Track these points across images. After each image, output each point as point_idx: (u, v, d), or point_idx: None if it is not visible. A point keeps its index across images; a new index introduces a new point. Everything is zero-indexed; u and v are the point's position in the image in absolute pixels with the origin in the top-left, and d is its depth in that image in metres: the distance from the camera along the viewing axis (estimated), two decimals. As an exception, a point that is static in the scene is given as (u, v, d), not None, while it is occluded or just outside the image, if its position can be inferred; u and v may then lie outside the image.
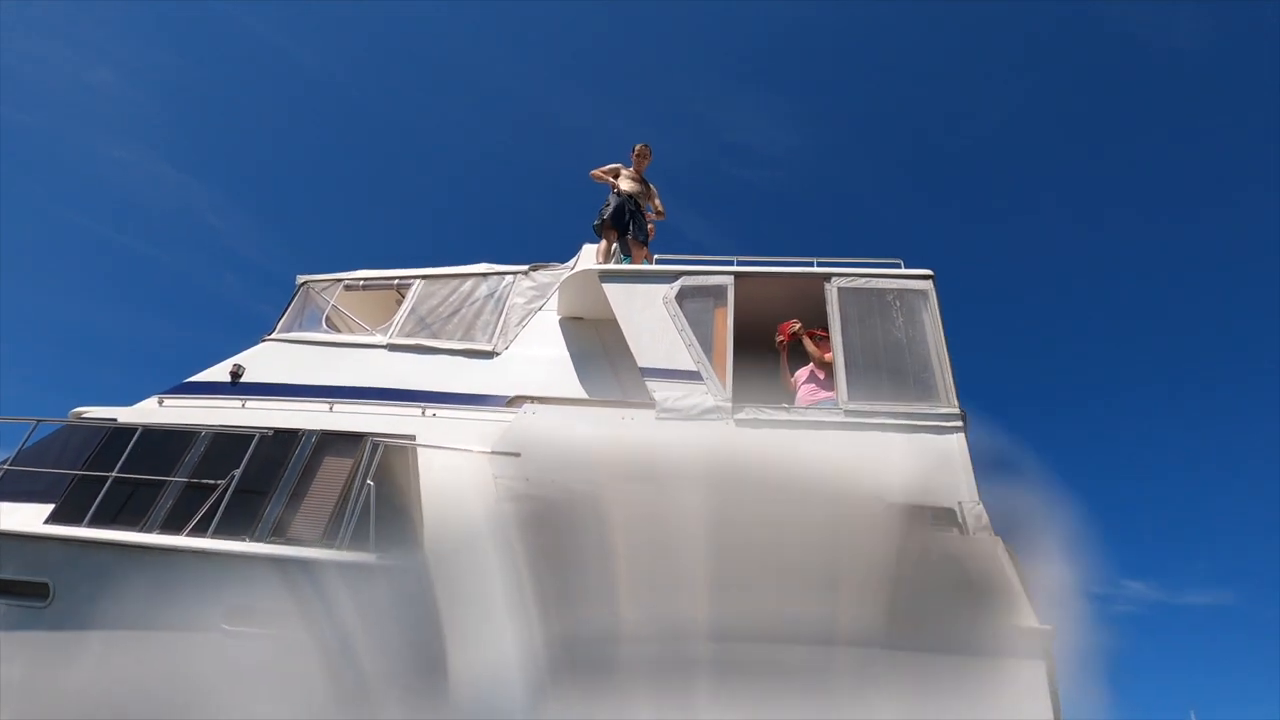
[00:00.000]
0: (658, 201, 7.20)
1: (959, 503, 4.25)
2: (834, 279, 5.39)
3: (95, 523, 4.90)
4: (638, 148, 7.11)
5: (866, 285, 5.34)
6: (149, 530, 4.85)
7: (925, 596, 3.78)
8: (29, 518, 5.06)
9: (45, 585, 4.44)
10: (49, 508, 5.14)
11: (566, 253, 6.91)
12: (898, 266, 5.50)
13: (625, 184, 6.84)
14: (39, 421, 5.50)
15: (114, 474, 5.14)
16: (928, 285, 5.27)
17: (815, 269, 5.54)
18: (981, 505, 4.23)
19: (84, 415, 5.94)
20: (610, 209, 6.58)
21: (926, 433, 4.58)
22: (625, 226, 6.61)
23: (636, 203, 6.86)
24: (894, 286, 5.32)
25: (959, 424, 4.60)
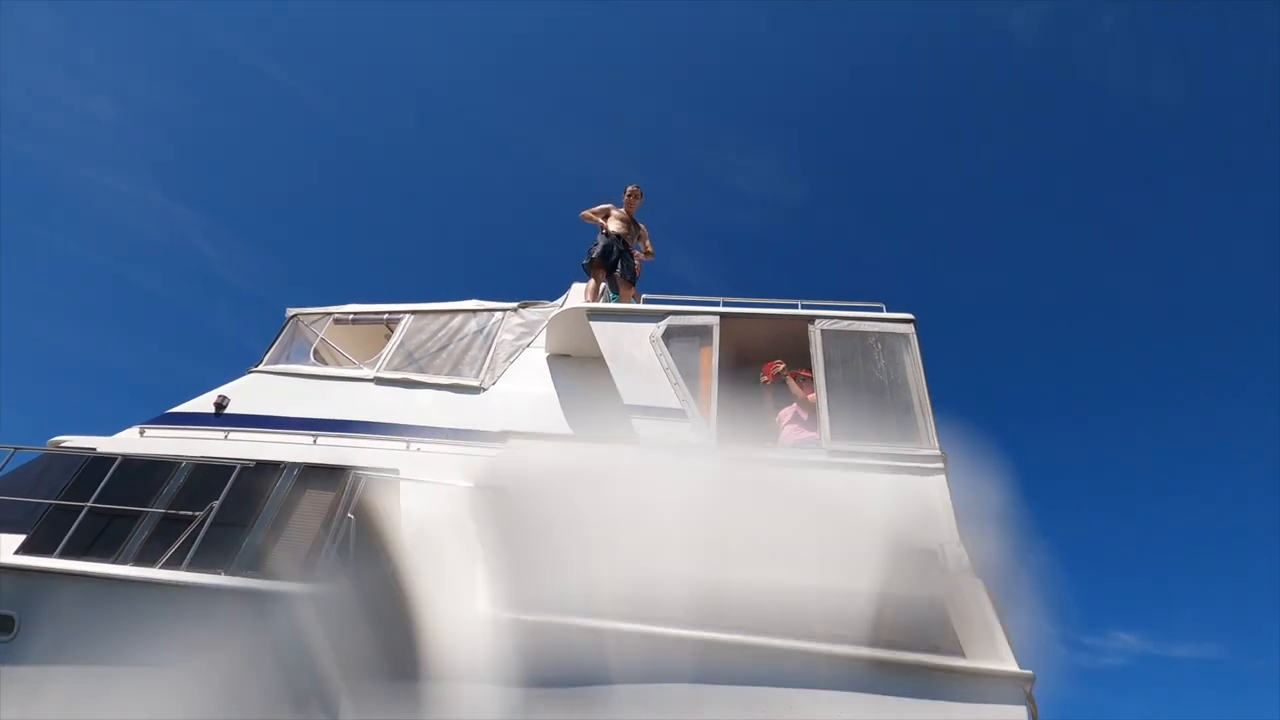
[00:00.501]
0: (647, 242, 7.36)
1: (940, 544, 4.27)
2: (817, 321, 5.49)
3: (67, 554, 4.80)
4: (630, 189, 7.31)
5: (849, 328, 5.45)
6: (123, 562, 4.76)
7: (905, 639, 3.76)
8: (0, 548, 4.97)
9: (10, 618, 4.33)
10: (21, 538, 5.05)
11: (555, 290, 7.03)
12: (880, 310, 5.62)
13: (613, 225, 7.00)
14: (16, 449, 5.43)
15: (89, 504, 5.06)
16: (909, 329, 5.38)
17: (799, 311, 5.65)
18: (963, 547, 4.25)
19: (63, 444, 5.87)
20: (598, 248, 6.72)
21: (908, 474, 4.62)
22: (614, 265, 6.74)
23: (625, 243, 7.01)
24: (876, 329, 5.42)
25: (940, 465, 4.65)
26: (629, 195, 7.30)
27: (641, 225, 7.33)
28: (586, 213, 7.20)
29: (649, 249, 7.37)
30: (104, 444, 5.82)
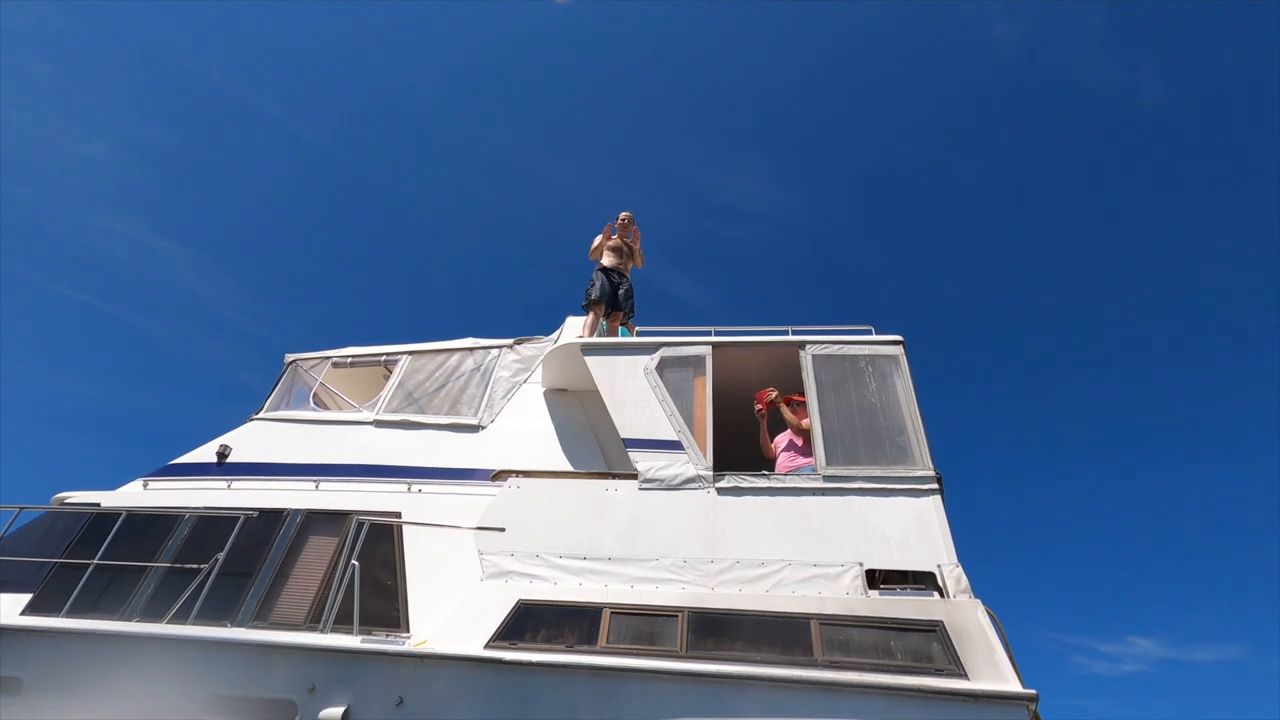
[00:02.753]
0: (638, 251, 7.48)
1: (938, 565, 4.31)
2: (808, 346, 5.57)
3: (74, 612, 4.83)
4: (621, 217, 7.44)
5: (839, 351, 5.53)
6: (130, 617, 4.80)
7: (906, 663, 3.78)
8: (6, 608, 4.99)
9: (18, 680, 4.34)
10: (28, 597, 5.08)
11: (550, 324, 7.12)
12: (869, 333, 5.71)
13: (607, 259, 7.13)
14: (21, 508, 5.47)
15: (95, 561, 5.10)
16: (898, 350, 5.46)
17: (790, 337, 5.74)
18: (960, 568, 4.29)
19: (68, 500, 5.92)
20: (595, 287, 6.82)
21: (903, 496, 4.67)
22: (614, 301, 6.84)
23: (620, 274, 7.12)
24: (866, 352, 5.50)
25: (935, 486, 4.70)
26: (621, 222, 7.44)
27: (632, 239, 7.47)
28: (593, 252, 7.33)
29: (639, 261, 7.49)
30: (108, 498, 5.88)
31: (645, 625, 4.16)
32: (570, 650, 4.03)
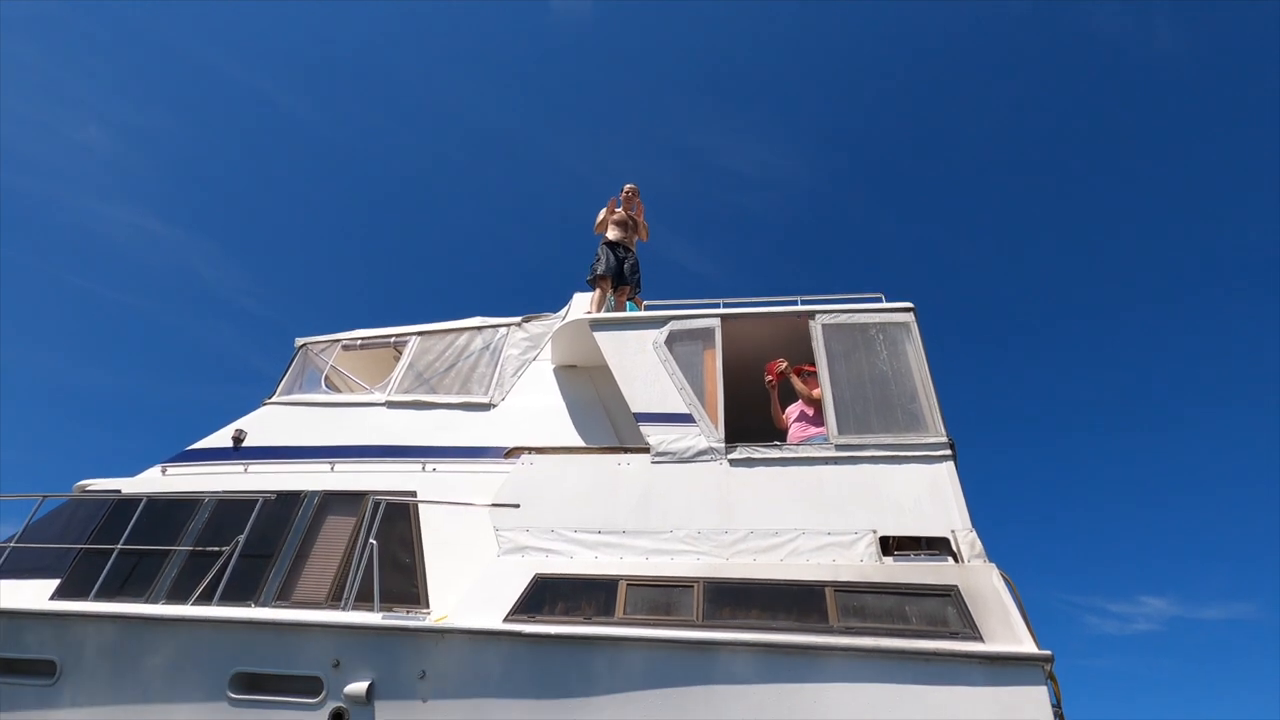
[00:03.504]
0: (642, 223, 7.49)
1: (952, 531, 4.32)
2: (818, 316, 5.54)
3: (101, 596, 4.94)
4: (626, 190, 7.43)
5: (849, 320, 5.49)
6: (155, 600, 4.90)
7: (923, 628, 3.81)
8: (36, 594, 5.10)
9: (52, 663, 4.46)
10: (55, 583, 5.19)
11: (557, 301, 7.11)
12: (879, 300, 5.66)
13: (612, 233, 7.10)
14: (45, 497, 5.57)
15: (119, 546, 5.19)
16: (909, 317, 5.42)
17: (799, 307, 5.70)
18: (975, 532, 4.29)
19: (88, 488, 6.01)
20: (601, 262, 6.81)
21: (916, 463, 4.66)
22: (619, 275, 6.84)
23: (625, 248, 7.09)
24: (876, 320, 5.46)
25: (948, 452, 4.69)
26: (625, 195, 7.43)
27: (637, 212, 7.46)
28: (598, 226, 7.33)
29: (643, 234, 7.50)
30: (128, 485, 5.96)
31: (661, 596, 4.21)
32: (588, 622, 4.09)
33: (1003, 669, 3.54)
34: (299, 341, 7.23)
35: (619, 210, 7.30)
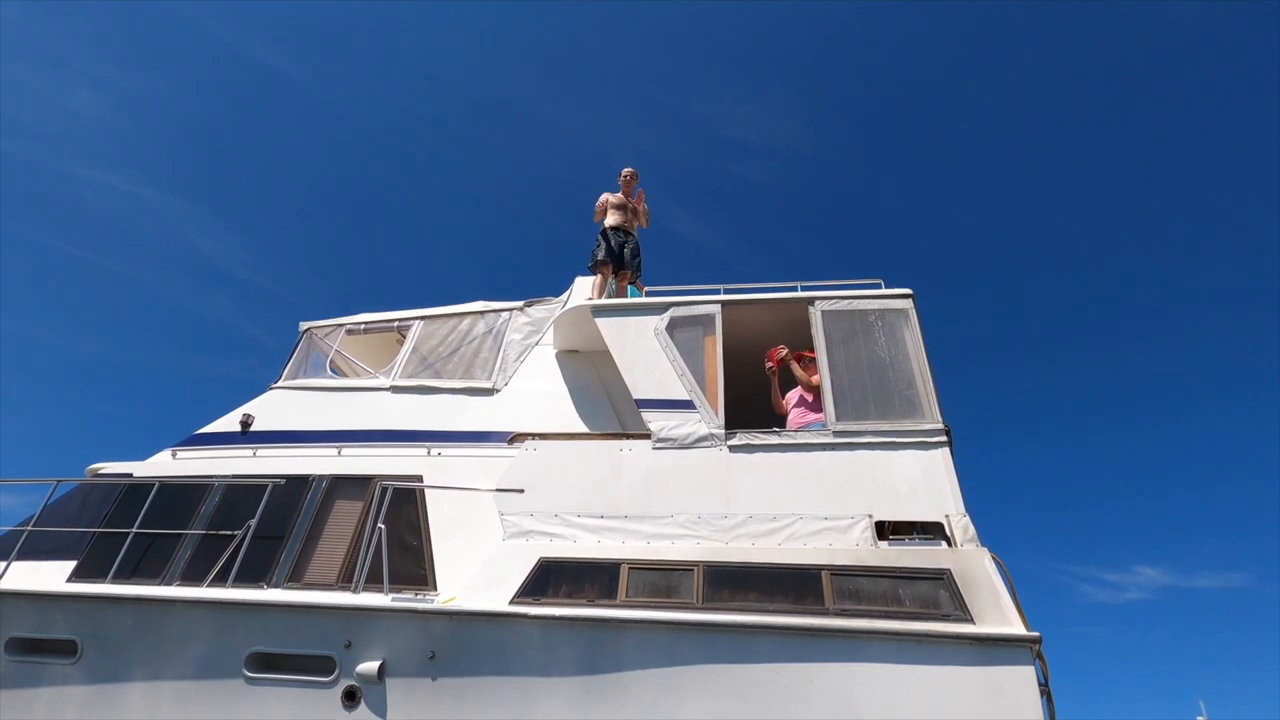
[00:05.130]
0: (643, 211, 7.47)
1: (946, 515, 4.42)
2: (817, 302, 5.59)
3: (118, 578, 5.09)
4: (624, 173, 7.44)
5: (848, 307, 5.54)
6: (169, 582, 5.05)
7: (916, 610, 3.94)
8: (53, 576, 5.24)
9: (73, 643, 4.61)
10: (71, 564, 5.33)
11: (559, 284, 7.15)
12: (879, 286, 5.70)
13: (611, 219, 7.12)
14: (59, 481, 5.68)
15: (133, 529, 5.31)
16: (907, 304, 5.46)
17: (799, 293, 5.74)
18: (968, 517, 4.40)
19: (100, 472, 6.13)
20: (601, 248, 6.85)
21: (912, 449, 4.75)
22: (619, 260, 6.88)
23: (625, 233, 7.12)
24: (875, 307, 5.51)
25: (944, 439, 4.77)
26: (623, 179, 7.43)
27: (636, 198, 7.43)
28: (597, 214, 7.34)
29: (643, 220, 7.48)
30: (139, 469, 6.08)
31: (662, 579, 4.33)
32: (591, 604, 4.22)
33: (993, 650, 3.67)
34: (303, 326, 7.30)
35: (618, 195, 7.32)
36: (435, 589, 4.76)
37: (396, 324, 7.14)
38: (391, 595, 4.46)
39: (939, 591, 4.01)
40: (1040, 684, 3.63)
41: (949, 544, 4.30)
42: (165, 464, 6.17)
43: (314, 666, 4.25)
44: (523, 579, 4.43)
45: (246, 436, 6.33)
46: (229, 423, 6.45)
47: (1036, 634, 3.70)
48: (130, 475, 5.96)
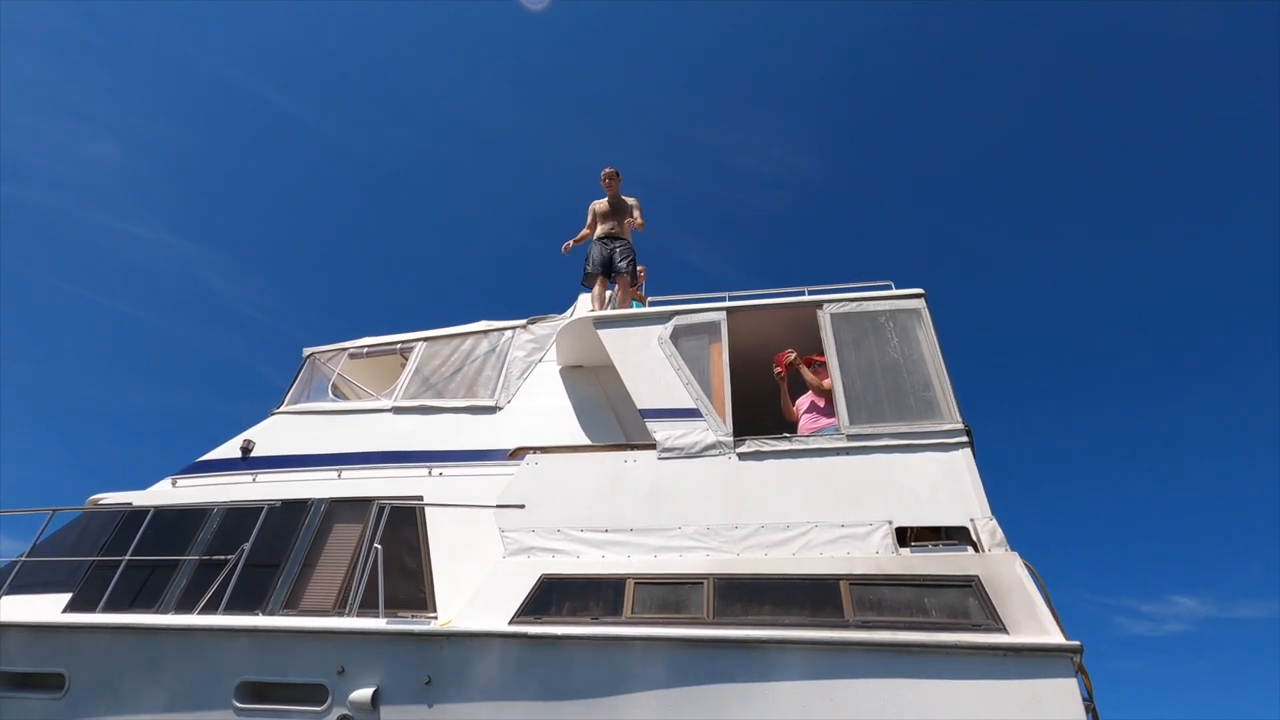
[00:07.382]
0: (637, 215, 7.11)
1: (971, 519, 4.15)
2: (826, 305, 5.40)
3: (110, 608, 4.93)
4: (605, 173, 7.22)
5: (858, 309, 5.35)
6: (164, 611, 4.88)
7: (945, 620, 3.65)
8: (48, 608, 5.10)
9: (61, 676, 4.43)
10: (68, 597, 5.19)
11: (563, 303, 7.05)
12: (889, 288, 5.52)
13: (599, 229, 7.05)
14: (55, 511, 5.58)
15: (126, 557, 5.18)
16: (919, 304, 5.26)
17: (806, 297, 5.57)
18: (995, 520, 4.12)
19: (101, 501, 6.04)
20: (590, 260, 6.79)
21: (931, 450, 4.50)
22: (611, 269, 6.75)
23: (614, 238, 6.98)
24: (886, 308, 5.32)
25: (964, 439, 4.52)
26: (605, 180, 7.22)
27: (628, 201, 7.21)
28: (568, 243, 7.28)
29: (639, 223, 7.10)
30: (139, 498, 5.97)
31: (670, 594, 4.08)
32: (595, 622, 3.98)
33: (1029, 661, 3.36)
34: (307, 351, 7.25)
35: (602, 201, 7.20)
36: (434, 611, 4.54)
37: (399, 346, 7.06)
38: (387, 618, 4.25)
39: (968, 600, 3.72)
40: (1084, 699, 3.31)
41: (976, 549, 4.02)
42: (165, 492, 6.06)
43: (305, 696, 4.02)
44: (523, 597, 4.20)
45: (247, 462, 6.21)
46: (230, 449, 6.35)
47: (1077, 643, 3.39)
48: (129, 504, 5.85)
